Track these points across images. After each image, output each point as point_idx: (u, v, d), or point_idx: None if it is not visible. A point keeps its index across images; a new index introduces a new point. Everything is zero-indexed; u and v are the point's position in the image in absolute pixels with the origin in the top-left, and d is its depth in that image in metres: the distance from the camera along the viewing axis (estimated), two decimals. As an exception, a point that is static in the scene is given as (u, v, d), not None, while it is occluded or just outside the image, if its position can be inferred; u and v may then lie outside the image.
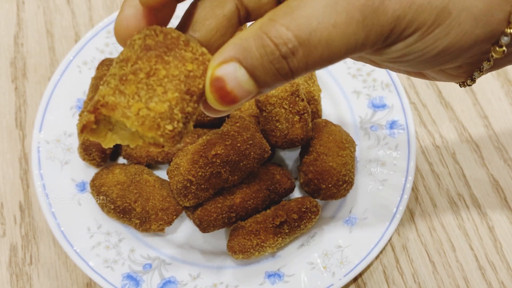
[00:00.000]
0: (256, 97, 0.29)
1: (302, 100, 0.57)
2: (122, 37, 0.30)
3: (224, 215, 0.56)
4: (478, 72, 0.32)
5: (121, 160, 0.64)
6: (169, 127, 0.27)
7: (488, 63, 0.31)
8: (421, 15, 0.26)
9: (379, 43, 0.28)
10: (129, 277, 0.55)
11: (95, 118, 0.27)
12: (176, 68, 0.28)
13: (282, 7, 0.27)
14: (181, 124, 0.28)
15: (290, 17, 0.26)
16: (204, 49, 0.29)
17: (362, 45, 0.27)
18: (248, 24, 0.33)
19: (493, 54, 0.30)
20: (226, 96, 0.27)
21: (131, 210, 0.56)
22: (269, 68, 0.27)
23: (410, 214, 0.62)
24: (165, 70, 0.28)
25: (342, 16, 0.26)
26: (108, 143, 0.29)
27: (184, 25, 0.31)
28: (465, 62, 0.31)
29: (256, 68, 0.27)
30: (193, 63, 0.28)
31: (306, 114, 0.57)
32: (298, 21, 0.26)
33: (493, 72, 0.72)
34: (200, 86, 0.28)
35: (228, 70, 0.27)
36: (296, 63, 0.27)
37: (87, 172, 0.61)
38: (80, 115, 0.62)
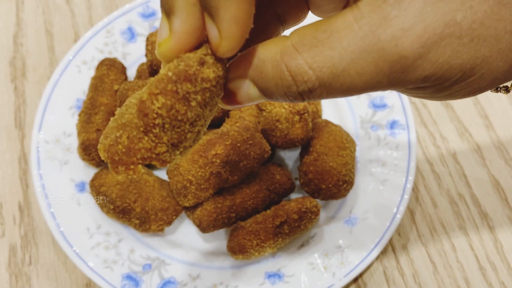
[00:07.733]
0: None
1: (302, 100, 0.57)
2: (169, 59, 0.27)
3: (224, 215, 0.56)
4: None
5: (121, 160, 0.64)
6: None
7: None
8: (448, 74, 0.25)
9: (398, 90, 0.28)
10: (129, 277, 0.55)
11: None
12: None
13: (309, 35, 0.25)
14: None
15: (315, 53, 0.25)
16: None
17: (381, 88, 0.26)
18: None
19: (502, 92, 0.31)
20: (233, 103, 0.28)
21: (131, 210, 0.56)
22: (282, 96, 0.27)
23: (410, 215, 0.62)
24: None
25: (371, 67, 0.24)
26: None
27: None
28: None
29: (269, 91, 0.27)
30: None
31: (306, 114, 0.57)
32: (322, 61, 0.24)
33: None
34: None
35: (241, 86, 0.27)
36: (312, 98, 0.26)
37: (87, 172, 0.61)
38: (79, 115, 0.62)
